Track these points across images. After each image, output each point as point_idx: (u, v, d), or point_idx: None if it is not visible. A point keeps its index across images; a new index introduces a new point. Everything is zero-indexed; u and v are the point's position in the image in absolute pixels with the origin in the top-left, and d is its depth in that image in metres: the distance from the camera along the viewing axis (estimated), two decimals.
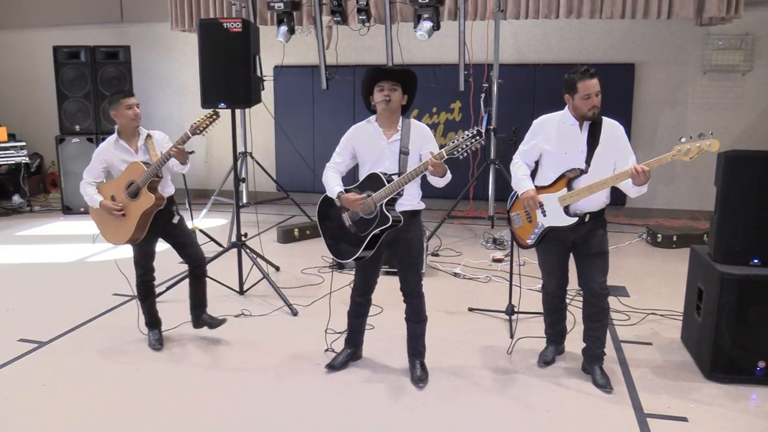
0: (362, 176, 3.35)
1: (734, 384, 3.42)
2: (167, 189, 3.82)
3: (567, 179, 3.30)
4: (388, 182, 3.18)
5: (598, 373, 3.43)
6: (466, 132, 3.01)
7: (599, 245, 3.37)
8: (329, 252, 3.47)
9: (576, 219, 3.30)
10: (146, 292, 3.99)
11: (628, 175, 3.11)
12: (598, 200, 3.32)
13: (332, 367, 3.62)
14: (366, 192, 3.25)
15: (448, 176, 3.18)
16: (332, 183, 3.33)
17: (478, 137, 2.98)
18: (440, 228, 6.45)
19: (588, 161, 3.27)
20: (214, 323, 4.01)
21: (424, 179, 3.25)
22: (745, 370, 3.43)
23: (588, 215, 3.32)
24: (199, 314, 4.01)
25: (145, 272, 3.93)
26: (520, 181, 3.42)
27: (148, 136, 3.79)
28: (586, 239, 3.37)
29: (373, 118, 3.37)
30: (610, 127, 3.32)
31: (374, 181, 3.23)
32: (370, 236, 3.24)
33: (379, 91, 3.25)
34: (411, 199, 3.32)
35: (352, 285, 3.62)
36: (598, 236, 3.37)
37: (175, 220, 3.84)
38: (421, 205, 3.40)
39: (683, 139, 3.09)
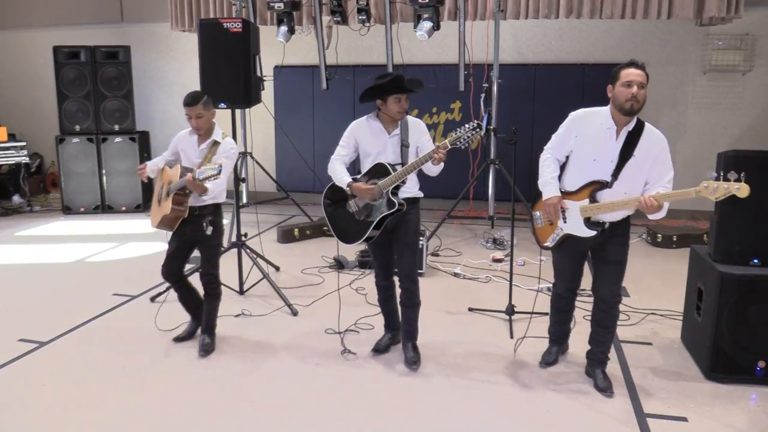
0: (366, 167, 3.57)
1: (734, 384, 3.42)
2: (198, 200, 3.68)
3: (591, 190, 3.16)
4: (394, 171, 3.41)
5: (600, 376, 3.40)
6: (467, 125, 3.34)
7: (616, 253, 3.27)
8: (336, 237, 3.64)
9: (595, 232, 3.20)
10: (180, 298, 4.01)
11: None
12: (622, 211, 3.19)
13: (377, 350, 3.82)
14: (372, 180, 3.48)
15: (442, 165, 3.41)
16: (341, 173, 3.54)
17: (478, 129, 3.32)
18: (440, 228, 6.45)
19: (615, 175, 3.11)
20: (201, 351, 3.81)
21: (420, 171, 3.48)
22: (745, 370, 3.43)
23: (608, 224, 3.23)
24: (201, 330, 3.92)
25: (168, 275, 3.88)
26: (546, 184, 3.28)
27: (215, 142, 3.74)
28: (603, 246, 3.28)
29: (373, 115, 3.56)
30: (651, 139, 3.08)
31: (380, 170, 3.46)
32: (377, 219, 3.46)
33: (397, 102, 3.45)
34: (411, 187, 3.56)
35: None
36: (617, 244, 3.26)
37: (208, 231, 3.72)
38: (420, 194, 3.61)
39: (709, 174, 2.92)
